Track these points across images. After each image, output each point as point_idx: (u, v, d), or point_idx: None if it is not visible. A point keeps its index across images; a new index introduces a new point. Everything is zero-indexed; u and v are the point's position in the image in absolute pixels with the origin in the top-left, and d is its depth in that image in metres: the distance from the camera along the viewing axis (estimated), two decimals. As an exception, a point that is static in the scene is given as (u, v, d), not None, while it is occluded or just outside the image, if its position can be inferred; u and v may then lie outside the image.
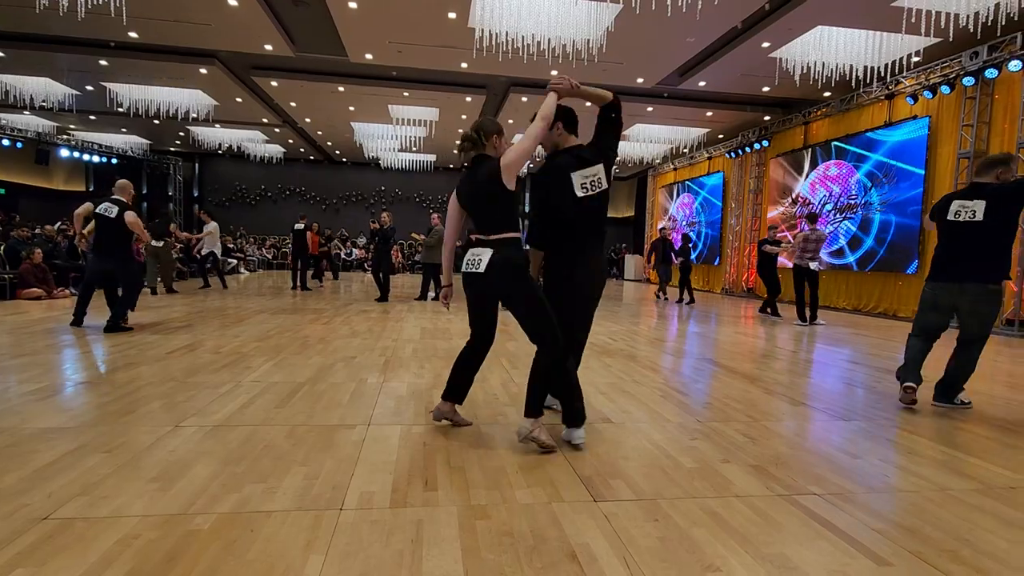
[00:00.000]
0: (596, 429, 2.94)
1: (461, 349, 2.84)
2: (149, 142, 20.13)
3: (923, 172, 9.15)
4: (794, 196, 12.37)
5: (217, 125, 16.63)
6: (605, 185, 2.77)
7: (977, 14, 7.24)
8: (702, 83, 11.44)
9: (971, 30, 7.48)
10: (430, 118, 14.66)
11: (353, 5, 8.44)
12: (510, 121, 14.84)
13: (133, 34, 9.95)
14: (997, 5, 7.03)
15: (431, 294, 10.08)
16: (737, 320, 8.66)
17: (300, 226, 11.40)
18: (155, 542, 1.69)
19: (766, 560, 1.69)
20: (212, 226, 11.41)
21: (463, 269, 2.61)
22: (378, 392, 3.55)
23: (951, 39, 8.04)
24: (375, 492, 2.08)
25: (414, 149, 18.59)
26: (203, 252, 11.47)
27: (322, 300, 9.55)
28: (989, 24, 7.30)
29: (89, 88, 13.14)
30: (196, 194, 22.68)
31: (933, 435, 3.02)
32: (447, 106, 13.77)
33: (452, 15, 8.64)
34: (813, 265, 8.18)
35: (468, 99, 13.14)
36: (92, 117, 16.24)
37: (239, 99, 13.77)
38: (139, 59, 11.03)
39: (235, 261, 17.33)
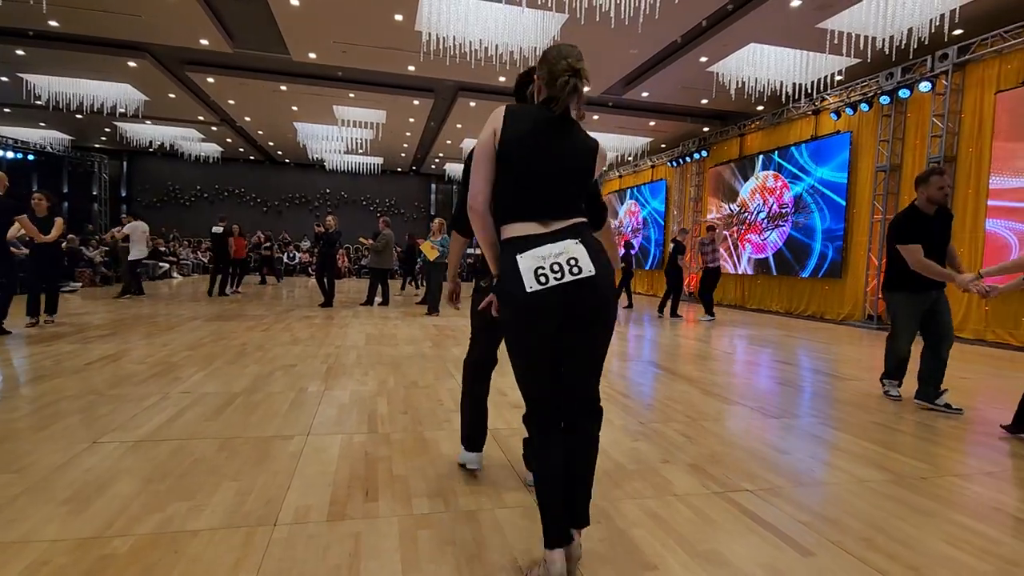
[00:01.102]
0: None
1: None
2: (71, 138, 18.80)
3: (844, 203, 9.77)
4: (735, 204, 12.93)
5: (148, 122, 15.72)
6: None
7: (892, 38, 7.82)
8: (645, 94, 11.79)
9: (886, 53, 8.08)
10: (377, 120, 14.42)
11: (295, 2, 8.19)
12: (458, 126, 14.82)
13: (54, 23, 9.28)
14: (910, 30, 7.62)
15: (378, 299, 9.89)
16: (678, 323, 8.95)
17: (218, 229, 10.78)
18: (67, 568, 1.56)
19: (701, 557, 1.75)
20: (131, 227, 10.31)
21: (535, 284, 1.47)
22: (319, 401, 3.44)
23: (869, 60, 8.66)
24: (312, 505, 2.00)
25: (360, 151, 18.23)
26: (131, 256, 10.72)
27: (262, 306, 9.18)
28: (902, 48, 7.90)
29: (4, 79, 12.15)
30: (124, 194, 21.35)
31: (856, 431, 3.21)
32: (394, 108, 13.58)
33: (399, 17, 8.54)
34: (712, 265, 9.38)
35: (416, 102, 13.01)
36: (7, 110, 15.02)
37: (172, 95, 13.08)
38: (61, 50, 10.28)
39: (167, 265, 16.42)
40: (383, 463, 2.45)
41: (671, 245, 10.16)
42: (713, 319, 9.32)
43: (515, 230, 1.55)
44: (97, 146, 20.24)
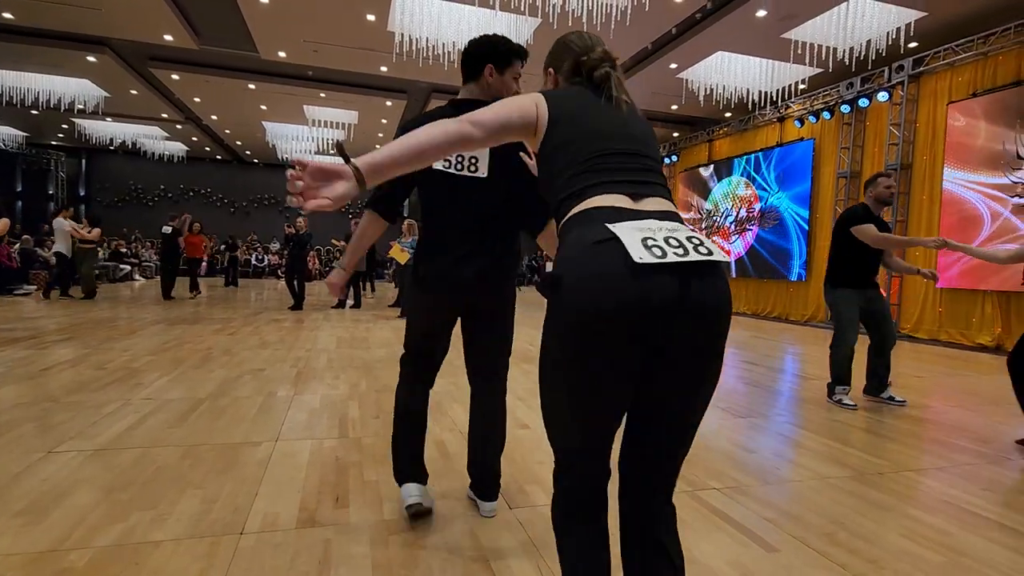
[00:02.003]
0: (514, 435, 2.96)
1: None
2: (26, 134, 18.03)
3: (807, 215, 10.10)
4: (703, 208, 13.19)
5: (108, 119, 15.20)
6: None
7: (852, 49, 8.11)
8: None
9: (847, 63, 8.37)
10: (349, 121, 14.25)
11: (265, 0, 8.05)
12: (432, 127, 14.72)
13: (7, 15, 8.91)
14: (868, 42, 7.92)
15: (349, 302, 9.77)
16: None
17: (167, 229, 10.26)
18: (18, 585, 1.50)
19: (670, 555, 1.78)
20: (57, 222, 9.63)
21: (646, 255, 0.91)
22: (288, 406, 3.38)
23: (831, 70, 8.96)
24: (280, 513, 1.97)
25: (332, 152, 17.97)
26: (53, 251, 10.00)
27: (229, 309, 8.96)
28: (861, 59, 8.20)
29: (-50, 71, 11.59)
30: (83, 193, 20.58)
31: (818, 429, 3.31)
32: (366, 109, 13.45)
33: (371, 17, 8.47)
34: None
35: (388, 103, 12.91)
36: (-47, 104, 14.33)
37: (134, 91, 12.68)
38: (15, 43, 9.87)
39: (128, 267, 15.89)
40: (354, 468, 2.42)
41: None
42: None
43: (589, 203, 1.04)
44: (54, 143, 19.48)
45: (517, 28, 8.46)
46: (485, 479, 2.04)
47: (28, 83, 11.98)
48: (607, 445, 1.06)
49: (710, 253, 0.95)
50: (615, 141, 1.13)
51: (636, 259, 0.90)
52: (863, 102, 8.94)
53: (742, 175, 11.77)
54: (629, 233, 0.94)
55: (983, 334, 7.31)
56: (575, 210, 1.05)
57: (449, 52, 8.69)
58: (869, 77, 8.89)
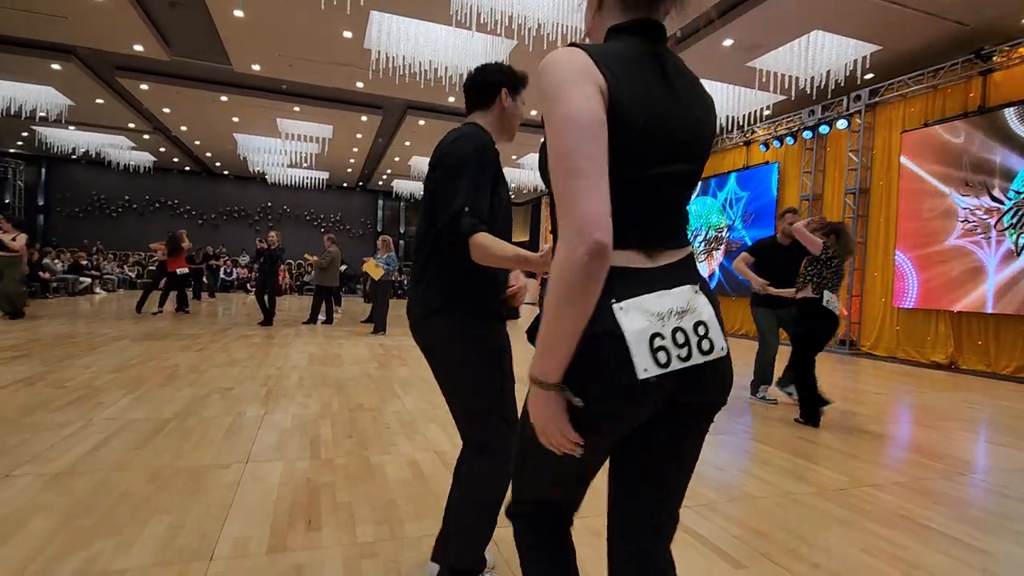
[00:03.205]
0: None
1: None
2: (-18, 141, 17.39)
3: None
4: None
5: (72, 127, 14.79)
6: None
7: (813, 79, 8.49)
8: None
9: (808, 92, 8.76)
10: (323, 135, 14.17)
11: (239, 13, 8.01)
12: (407, 143, 14.79)
13: (-34, 19, 8.64)
14: (828, 72, 8.31)
15: (321, 318, 9.63)
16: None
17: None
18: (-27, 618, 1.45)
19: (641, 573, 1.81)
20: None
21: (653, 367, 0.84)
22: (258, 426, 3.32)
23: (793, 98, 9.34)
24: (251, 537, 1.94)
25: (305, 165, 17.82)
26: None
27: (196, 324, 8.74)
28: (822, 88, 8.59)
29: (-99, 75, 11.14)
30: (42, 202, 19.88)
31: (783, 446, 3.41)
32: (341, 124, 13.41)
33: (348, 34, 8.50)
34: None
35: (364, 118, 12.90)
36: (-96, 108, 13.74)
37: (100, 100, 12.38)
38: (-27, 47, 9.57)
39: (88, 280, 15.35)
40: (326, 490, 2.39)
41: None
42: None
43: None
44: (12, 151, 18.81)
45: (494, 49, 8.61)
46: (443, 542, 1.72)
47: (-13, 89, 11.60)
48: (579, 496, 1.08)
49: (712, 350, 0.90)
50: (671, 158, 0.90)
51: (640, 375, 0.83)
52: (824, 129, 9.35)
53: (711, 196, 12.12)
54: (637, 332, 0.84)
55: (937, 352, 7.64)
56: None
57: (426, 71, 8.77)
58: (829, 105, 9.31)
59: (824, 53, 7.94)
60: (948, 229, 7.52)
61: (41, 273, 12.91)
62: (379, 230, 23.40)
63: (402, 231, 24.14)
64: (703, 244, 12.31)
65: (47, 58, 9.95)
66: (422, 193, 1.75)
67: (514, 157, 15.83)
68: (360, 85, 10.61)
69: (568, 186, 0.78)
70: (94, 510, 2.10)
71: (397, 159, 16.89)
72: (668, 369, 0.85)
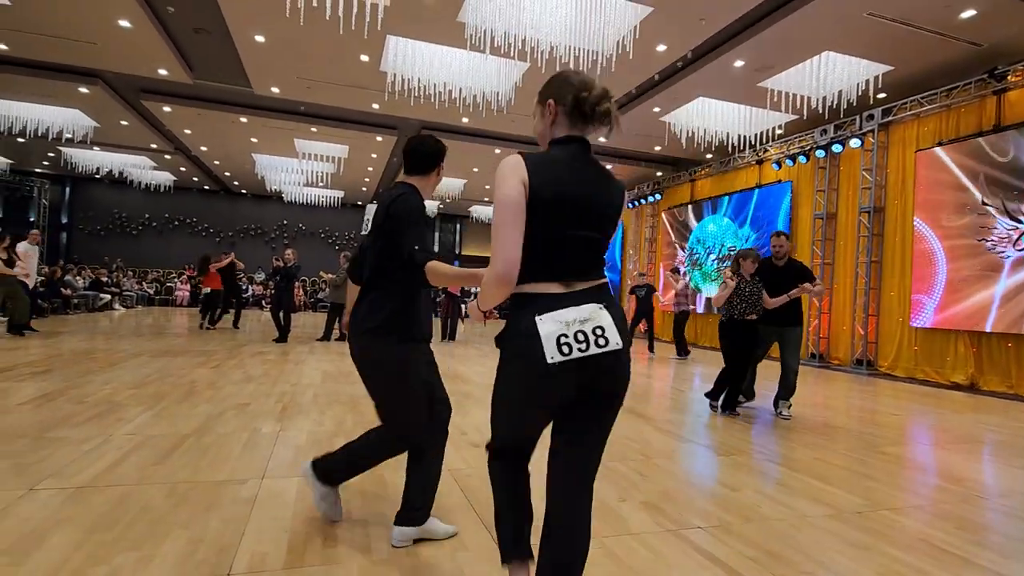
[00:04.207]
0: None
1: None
2: (10, 161, 17.94)
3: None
4: (687, 245, 13.49)
5: (96, 148, 15.23)
6: (366, 230, 2.28)
7: (824, 98, 8.53)
8: (601, 139, 12.19)
9: (820, 111, 8.79)
10: (339, 155, 14.44)
11: (260, 38, 8.26)
12: (421, 162, 14.98)
13: (2, 46, 9.01)
14: (840, 92, 8.35)
15: (335, 334, 9.72)
16: (635, 360, 9.17)
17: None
18: (0, 628, 1.48)
19: (655, 595, 1.81)
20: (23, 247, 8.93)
21: (557, 355, 1.31)
22: (274, 442, 3.36)
23: (805, 117, 9.38)
24: (268, 553, 1.97)
25: (321, 184, 18.11)
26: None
27: (212, 341, 8.86)
28: (834, 107, 8.62)
29: (-64, 98, 11.59)
30: (65, 221, 20.39)
31: (798, 467, 3.38)
32: (357, 144, 13.66)
33: (364, 58, 8.72)
34: (685, 308, 9.87)
35: (379, 139, 13.15)
36: (-62, 130, 14.25)
37: (124, 122, 12.77)
38: (6, 73, 9.94)
39: (108, 296, 15.65)
40: (343, 506, 2.41)
41: (643, 288, 10.47)
42: (686, 358, 9.67)
43: (531, 288, 1.37)
44: (38, 171, 19.38)
45: (507, 71, 8.77)
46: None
47: (17, 112, 12.00)
48: (530, 444, 1.57)
49: (607, 344, 1.34)
50: (581, 217, 1.39)
51: (549, 360, 1.31)
52: (837, 148, 9.34)
53: (724, 215, 12.11)
54: (548, 333, 1.32)
55: (957, 373, 7.50)
56: (522, 288, 1.39)
57: (440, 92, 8.95)
58: (841, 124, 9.32)
59: (835, 73, 7.98)
60: (966, 249, 7.44)
61: (63, 289, 13.18)
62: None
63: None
64: (715, 263, 12.27)
65: (75, 82, 10.31)
66: (368, 232, 2.22)
67: (526, 176, 15.93)
68: (376, 107, 10.84)
69: (496, 235, 1.34)
70: (115, 524, 2.14)
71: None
72: (569, 357, 1.31)
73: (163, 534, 2.07)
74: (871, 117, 8.82)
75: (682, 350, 9.76)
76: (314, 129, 12.57)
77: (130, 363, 6.14)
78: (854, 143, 8.99)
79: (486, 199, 20.14)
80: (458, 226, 25.04)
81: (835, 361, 9.48)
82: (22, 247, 8.96)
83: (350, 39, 7.89)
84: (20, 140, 14.25)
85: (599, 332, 1.33)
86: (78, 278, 15.14)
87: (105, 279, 16.41)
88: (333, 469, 2.20)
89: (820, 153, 9.58)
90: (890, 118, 8.64)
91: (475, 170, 15.57)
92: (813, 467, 3.38)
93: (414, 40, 8.17)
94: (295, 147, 14.04)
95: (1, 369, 5.39)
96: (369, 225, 2.22)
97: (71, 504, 2.31)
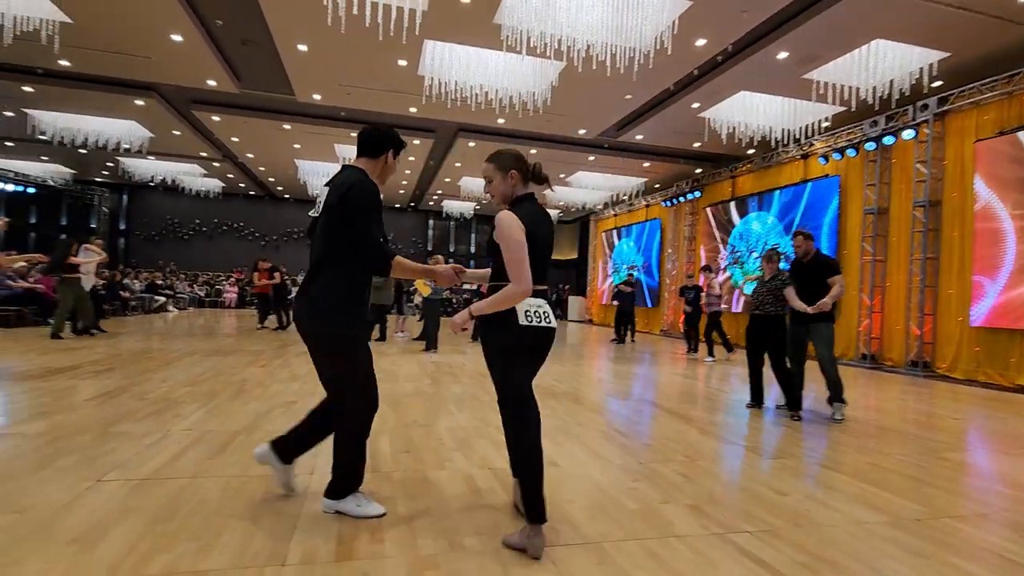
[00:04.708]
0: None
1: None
2: (73, 172, 19.03)
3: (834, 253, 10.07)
4: (728, 243, 13.17)
5: (151, 157, 16.00)
6: (318, 212, 2.35)
7: (875, 89, 8.19)
8: (639, 136, 12.17)
9: (870, 102, 8.44)
10: (377, 159, 14.71)
11: (303, 48, 8.52)
12: (457, 165, 15.16)
13: (65, 62, 9.57)
14: (892, 81, 8.00)
15: (375, 335, 9.91)
16: (675, 361, 9.01)
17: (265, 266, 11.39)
18: (76, 610, 1.58)
19: (703, 599, 1.77)
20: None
21: (530, 321, 2.12)
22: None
23: (854, 108, 9.02)
24: (319, 546, 2.03)
25: (360, 188, 18.48)
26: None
27: (260, 341, 9.18)
28: (885, 97, 8.27)
29: (9, 114, 12.41)
30: (123, 227, 21.50)
31: (851, 471, 3.25)
32: (395, 148, 13.89)
33: (402, 63, 8.87)
34: (716, 308, 9.53)
35: (416, 142, 13.34)
36: (9, 144, 15.26)
37: (177, 132, 13.37)
38: (69, 88, 10.56)
39: (163, 299, 16.41)
40: (387, 503, 2.47)
41: (692, 291, 10.11)
42: (714, 359, 9.37)
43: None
44: (98, 180, 20.48)
45: (543, 71, 8.77)
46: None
47: (79, 125, 12.74)
48: (530, 387, 2.21)
49: (550, 323, 2.20)
50: (544, 253, 2.25)
51: (520, 322, 2.13)
52: (888, 139, 8.95)
53: (766, 211, 11.77)
54: (521, 308, 2.13)
55: (1023, 375, 7.07)
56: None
57: (476, 94, 9.02)
58: (894, 115, 8.92)
59: (886, 62, 7.66)
60: (1031, 243, 7.00)
61: (121, 292, 13.89)
62: (429, 249, 23.94)
63: (452, 249, 24.59)
64: (757, 260, 11.93)
65: (131, 94, 10.86)
66: (319, 213, 2.33)
67: (562, 175, 15.91)
68: (413, 110, 11.01)
69: (518, 266, 2.07)
70: (175, 515, 2.24)
71: (447, 180, 17.32)
72: (530, 323, 2.14)
73: (220, 525, 2.16)
74: (926, 107, 8.41)
75: (711, 351, 9.45)
76: (353, 134, 12.78)
77: (184, 362, 6.42)
78: (907, 134, 8.59)
79: (522, 199, 20.11)
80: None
81: (888, 362, 9.08)
82: (84, 253, 9.54)
83: (388, 45, 8.05)
84: (82, 151, 15.10)
85: (544, 314, 2.18)
86: (135, 281, 15.94)
87: (160, 282, 17.22)
88: (340, 483, 2.37)
89: (870, 146, 9.20)
90: (946, 107, 8.21)
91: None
92: (867, 472, 3.25)
93: (451, 43, 8.26)
94: (336, 152, 14.40)
95: (68, 368, 5.73)
96: (320, 207, 2.32)
97: (135, 495, 2.43)
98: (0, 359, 6.03)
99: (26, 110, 12.07)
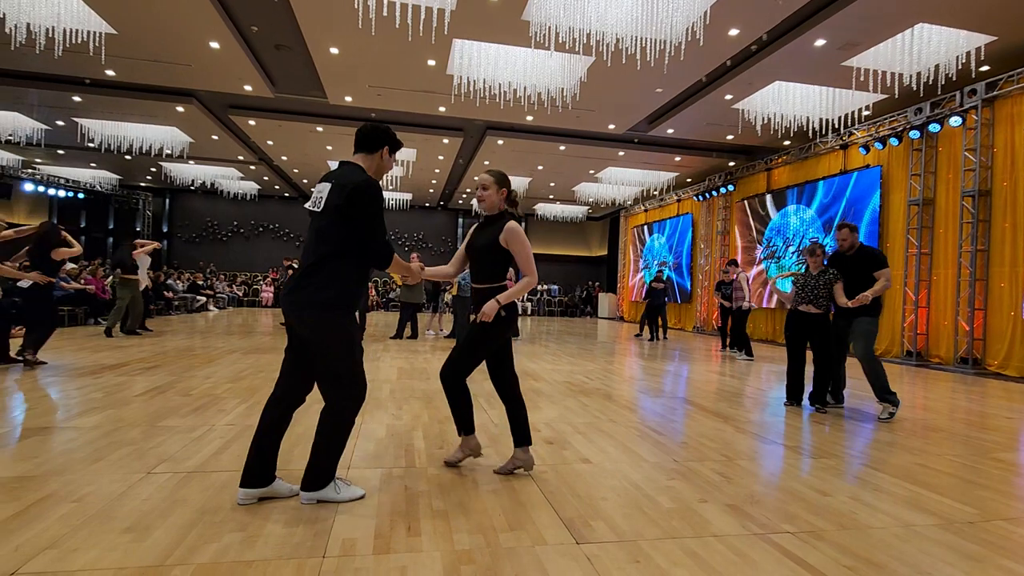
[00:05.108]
0: (575, 470, 2.97)
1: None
2: (119, 177, 19.85)
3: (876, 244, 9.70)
4: (761, 239, 12.86)
5: (191, 161, 16.56)
6: (319, 208, 2.41)
7: (919, 74, 7.86)
8: (670, 130, 11.97)
9: (914, 88, 8.10)
10: (407, 158, 14.90)
11: (334, 51, 8.67)
12: (486, 162, 15.20)
13: (110, 72, 9.97)
14: (937, 66, 7.66)
15: (407, 333, 10.04)
16: (708, 358, 8.85)
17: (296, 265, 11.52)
18: (132, 595, 1.65)
19: (744, 599, 1.74)
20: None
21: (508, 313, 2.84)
22: (356, 435, 3.52)
23: (896, 96, 8.68)
24: (357, 539, 2.07)
25: (390, 187, 18.76)
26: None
27: (295, 339, 9.39)
28: (930, 83, 7.93)
29: (60, 123, 13.01)
30: (165, 229, 22.31)
31: (898, 472, 3.14)
32: (424, 147, 14.04)
33: (431, 63, 8.94)
34: (743, 303, 9.21)
35: (445, 141, 13.44)
36: (60, 152, 16.00)
37: (215, 137, 13.79)
38: (115, 96, 11.01)
39: (204, 299, 16.97)
40: (423, 498, 2.50)
41: (729, 286, 9.78)
42: (752, 359, 9.03)
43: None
44: (143, 185, 21.30)
45: (571, 66, 8.71)
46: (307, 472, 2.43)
47: (124, 132, 13.29)
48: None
49: (520, 312, 3.08)
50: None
51: (518, 310, 2.72)
52: (934, 127, 8.59)
53: (804, 204, 11.44)
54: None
55: (1084, 372, 6.70)
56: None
57: (504, 92, 9.03)
58: (939, 102, 8.55)
59: (931, 47, 7.34)
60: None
61: (165, 292, 14.43)
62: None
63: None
64: (795, 255, 11.61)
65: (172, 101, 11.25)
66: (319, 209, 2.39)
67: (591, 171, 15.79)
68: (442, 109, 11.09)
69: (530, 261, 2.81)
70: (221, 507, 2.32)
71: (476, 178, 17.30)
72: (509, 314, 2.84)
73: (263, 517, 2.23)
74: (974, 92, 8.03)
75: (743, 348, 9.18)
76: (384, 135, 13.01)
77: (225, 359, 6.63)
78: (954, 121, 8.22)
79: (551, 196, 20.10)
80: (523, 224, 25.12)
81: (935, 359, 8.73)
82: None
83: (418, 45, 8.12)
84: (127, 157, 15.74)
85: (520, 301, 2.68)
86: (178, 282, 16.53)
87: (201, 282, 17.81)
88: (323, 473, 2.38)
89: (915, 134, 8.84)
90: (995, 92, 7.82)
91: (539, 168, 15.58)
92: (915, 473, 3.13)
93: (479, 42, 8.28)
94: (367, 153, 14.61)
95: (118, 365, 5.98)
96: (321, 203, 2.37)
97: (183, 487, 2.53)
98: (56, 357, 6.33)
99: (76, 119, 12.64)
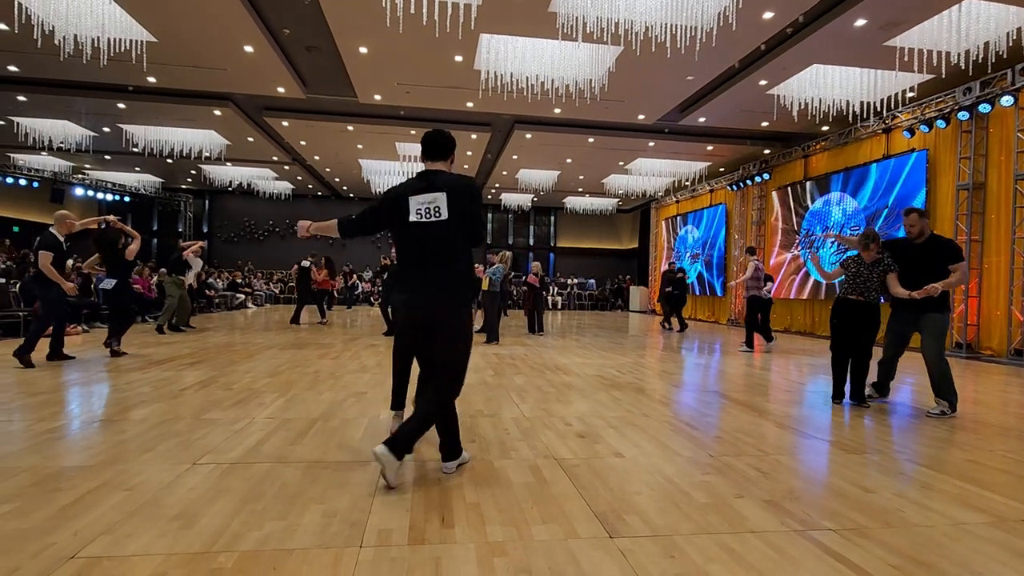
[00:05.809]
0: (608, 464, 2.96)
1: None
2: (162, 180, 20.61)
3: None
4: (801, 229, 12.49)
5: (228, 163, 17.06)
6: (444, 215, 2.58)
7: (967, 52, 7.48)
8: (702, 119, 11.72)
9: (962, 67, 7.71)
10: (436, 155, 14.98)
11: (364, 50, 8.78)
12: (514, 157, 15.18)
13: (152, 79, 10.34)
14: (986, 44, 7.27)
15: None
16: (737, 353, 8.66)
17: (306, 263, 11.76)
18: (181, 580, 1.72)
19: (783, 596, 1.70)
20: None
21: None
22: (390, 427, 3.58)
23: (943, 76, 8.28)
24: (393, 529, 2.10)
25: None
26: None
27: (330, 335, 9.62)
28: (979, 61, 7.53)
29: (106, 129, 13.57)
30: (205, 230, 23.07)
31: (946, 468, 3.02)
32: (453, 143, 14.09)
33: (459, 58, 8.97)
34: (762, 292, 8.76)
35: (473, 136, 13.47)
36: (107, 157, 16.70)
37: (251, 139, 14.16)
38: (156, 102, 11.43)
39: (243, 296, 17.49)
40: (456, 490, 2.53)
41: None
42: (772, 342, 9.05)
43: None
44: (183, 187, 22.07)
45: (599, 57, 8.60)
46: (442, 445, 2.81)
47: (165, 136, 13.79)
48: None
49: None
50: None
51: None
52: (984, 107, 8.17)
53: (845, 191, 11.05)
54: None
55: None
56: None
57: (532, 85, 8.99)
58: (989, 81, 8.13)
59: (980, 23, 6.98)
60: None
61: (207, 291, 14.93)
62: (488, 242, 24.15)
63: (510, 242, 24.71)
64: (834, 244, 11.23)
65: (210, 105, 11.60)
66: (446, 209, 2.58)
67: (621, 163, 15.60)
68: (470, 105, 11.12)
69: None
70: (263, 496, 2.40)
71: (505, 173, 17.39)
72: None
73: (302, 507, 2.29)
74: (1028, 69, 7.60)
75: (768, 336, 9.03)
76: (413, 132, 13.14)
77: (264, 355, 6.83)
78: (1006, 101, 7.80)
79: (580, 189, 19.95)
80: (552, 218, 25.07)
81: (987, 352, 8.34)
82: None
83: (445, 41, 8.15)
84: (169, 161, 16.31)
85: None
86: (219, 280, 17.09)
87: (239, 280, 18.36)
88: (408, 442, 2.54)
89: (963, 115, 8.43)
90: (1054, 68, 7.39)
91: (568, 161, 15.48)
92: (965, 469, 3.00)
93: (506, 36, 8.26)
94: (396, 150, 14.79)
95: (164, 360, 6.23)
96: (444, 211, 2.56)
97: (227, 477, 2.62)
98: (107, 353, 6.62)
99: (120, 125, 13.16)
